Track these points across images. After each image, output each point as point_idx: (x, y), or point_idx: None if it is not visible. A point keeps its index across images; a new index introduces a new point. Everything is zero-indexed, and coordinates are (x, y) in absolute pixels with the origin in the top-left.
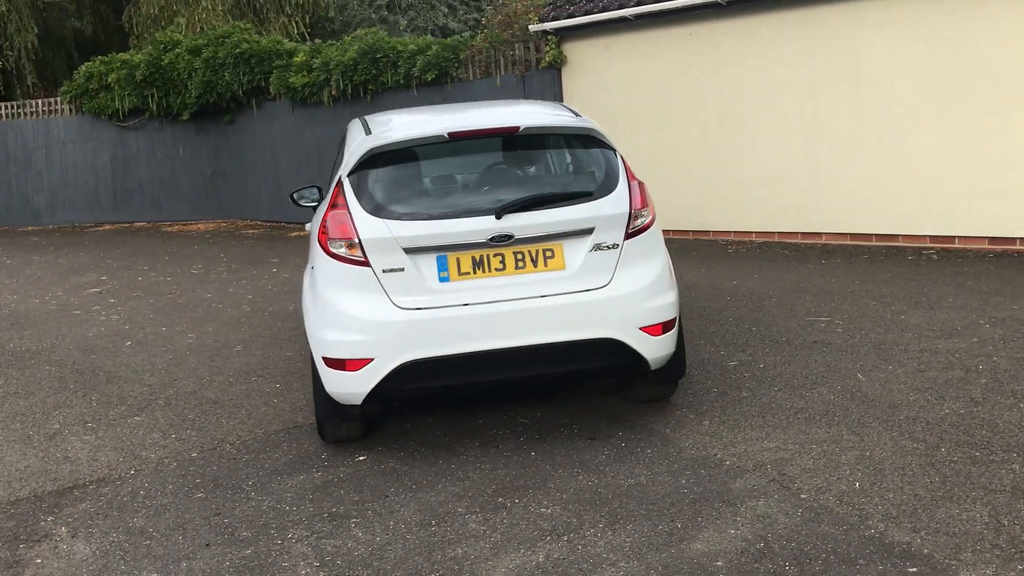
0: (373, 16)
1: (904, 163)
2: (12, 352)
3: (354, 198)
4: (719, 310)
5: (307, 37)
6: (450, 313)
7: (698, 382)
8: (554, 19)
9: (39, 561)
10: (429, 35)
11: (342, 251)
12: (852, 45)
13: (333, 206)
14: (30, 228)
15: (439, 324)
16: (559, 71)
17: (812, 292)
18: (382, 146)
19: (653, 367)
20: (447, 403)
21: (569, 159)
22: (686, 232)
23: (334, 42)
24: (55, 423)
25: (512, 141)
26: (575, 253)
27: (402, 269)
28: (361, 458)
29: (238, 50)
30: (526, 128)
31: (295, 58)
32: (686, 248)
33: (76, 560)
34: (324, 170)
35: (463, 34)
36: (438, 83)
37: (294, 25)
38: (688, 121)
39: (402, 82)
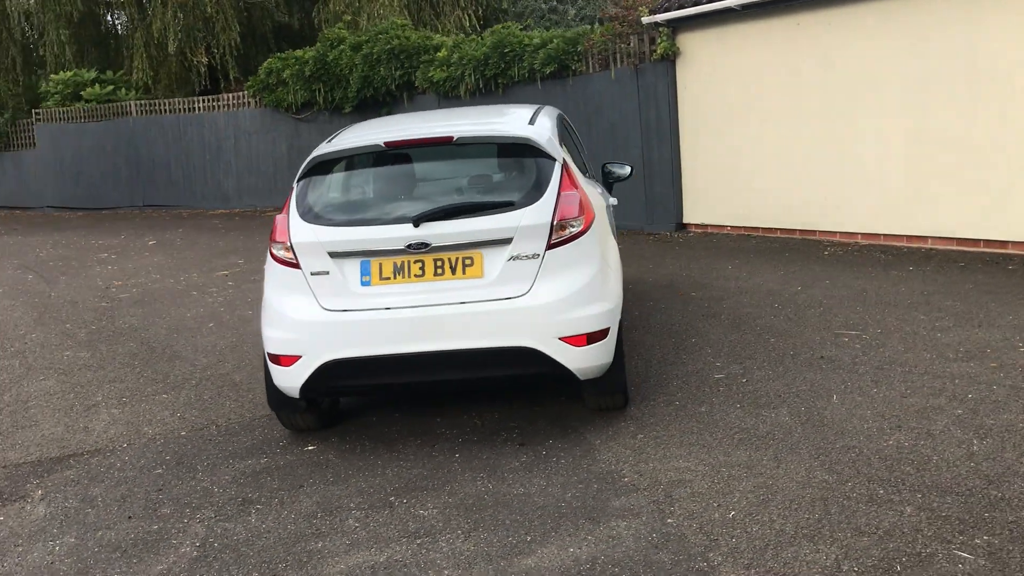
0: (543, 7)
1: (1020, 163)
2: (116, 328)
3: (295, 204)
4: (755, 318)
5: (479, 30)
6: (371, 316)
7: (668, 393)
8: (665, 10)
9: (0, 519)
10: (597, 24)
11: (280, 253)
12: (966, 34)
13: (281, 211)
14: (219, 211)
15: (360, 326)
16: (673, 63)
17: (869, 302)
18: (324, 155)
19: (582, 377)
20: (419, 400)
21: (502, 168)
22: (793, 231)
23: (476, 37)
24: (99, 396)
25: (449, 150)
26: (494, 262)
27: (327, 272)
28: (311, 448)
29: (389, 46)
30: (460, 138)
31: (439, 53)
32: (782, 249)
33: (27, 521)
34: None
35: (583, 26)
36: (560, 76)
37: (467, 17)
38: (795, 114)
39: (527, 76)
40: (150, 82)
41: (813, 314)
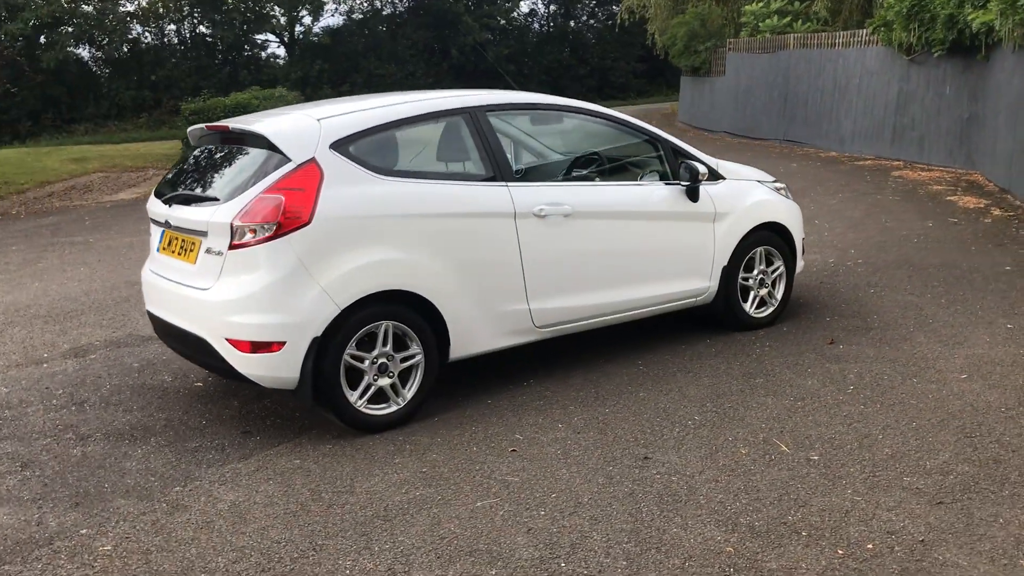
0: None
1: None
2: None
3: None
4: (835, 408)
5: None
6: (152, 279)
7: (435, 435)
8: None
9: (47, 365)
10: None
11: None
12: None
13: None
14: (831, 154)
15: (148, 287)
16: None
17: None
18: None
19: (264, 385)
20: None
21: (248, 160)
22: None
23: None
24: None
25: (235, 137)
26: (200, 252)
27: (150, 235)
28: (266, 401)
29: None
30: (233, 128)
31: None
32: None
33: (59, 370)
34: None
35: None
36: None
37: None
38: None
39: None
40: (828, 15)
41: (915, 428)
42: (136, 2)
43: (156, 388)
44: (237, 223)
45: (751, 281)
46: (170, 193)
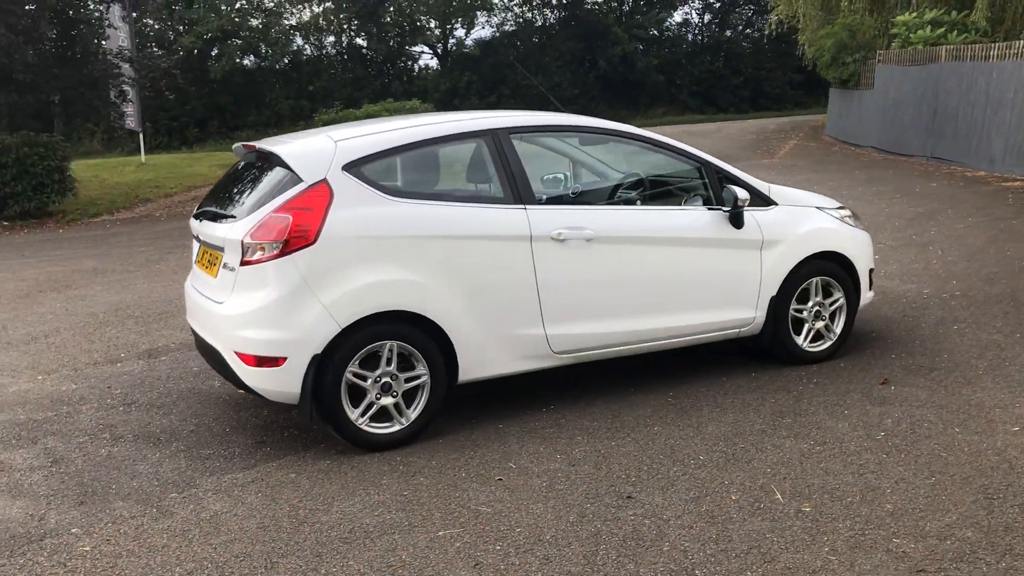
0: None
1: None
2: None
3: None
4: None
5: None
6: (189, 291)
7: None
8: None
9: (120, 364)
10: None
11: None
12: None
13: None
14: (980, 173)
15: (187, 299)
16: None
17: None
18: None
19: (270, 399)
20: None
21: (269, 179)
22: None
23: None
24: None
25: (263, 156)
26: (220, 267)
27: (191, 250)
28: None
29: None
30: (259, 149)
31: None
32: None
33: (131, 370)
34: None
35: None
36: None
37: None
38: None
39: None
40: (987, 25)
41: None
42: (298, 16)
43: (202, 393)
44: (248, 240)
45: (805, 313)
46: (203, 208)
